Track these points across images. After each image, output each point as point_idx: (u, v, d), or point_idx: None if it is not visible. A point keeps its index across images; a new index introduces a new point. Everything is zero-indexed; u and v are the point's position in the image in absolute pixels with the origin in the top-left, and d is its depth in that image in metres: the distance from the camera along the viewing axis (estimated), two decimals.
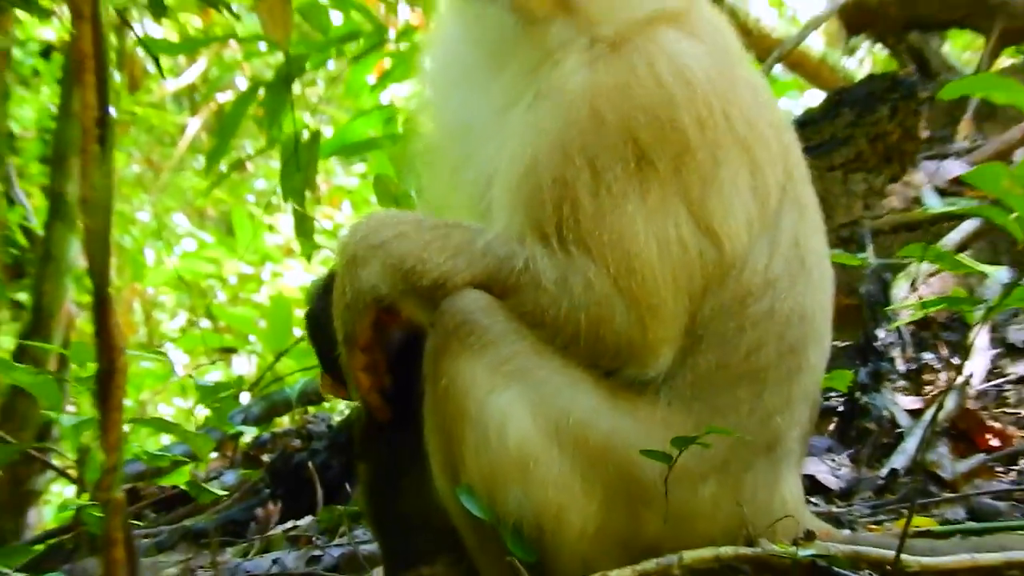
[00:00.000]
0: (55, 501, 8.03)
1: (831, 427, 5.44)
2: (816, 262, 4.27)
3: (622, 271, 3.98)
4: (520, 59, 4.29)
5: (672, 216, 4.02)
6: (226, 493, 5.96)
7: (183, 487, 5.71)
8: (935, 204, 6.41)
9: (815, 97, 8.98)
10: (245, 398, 7.02)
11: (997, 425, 5.37)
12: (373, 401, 4.23)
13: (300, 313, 8.25)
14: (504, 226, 4.12)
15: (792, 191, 4.23)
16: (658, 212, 4.01)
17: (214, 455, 6.32)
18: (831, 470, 5.24)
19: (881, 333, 5.66)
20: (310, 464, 5.74)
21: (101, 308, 2.61)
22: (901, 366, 5.67)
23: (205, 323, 12.07)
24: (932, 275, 5.71)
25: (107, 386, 2.63)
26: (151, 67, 11.24)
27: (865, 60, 10.47)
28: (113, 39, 9.74)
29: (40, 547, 6.20)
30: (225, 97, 11.90)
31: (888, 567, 3.95)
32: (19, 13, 7.40)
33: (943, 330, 5.71)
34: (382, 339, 4.21)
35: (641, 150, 4.02)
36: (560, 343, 4.05)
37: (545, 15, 4.23)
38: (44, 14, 7.29)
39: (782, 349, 4.16)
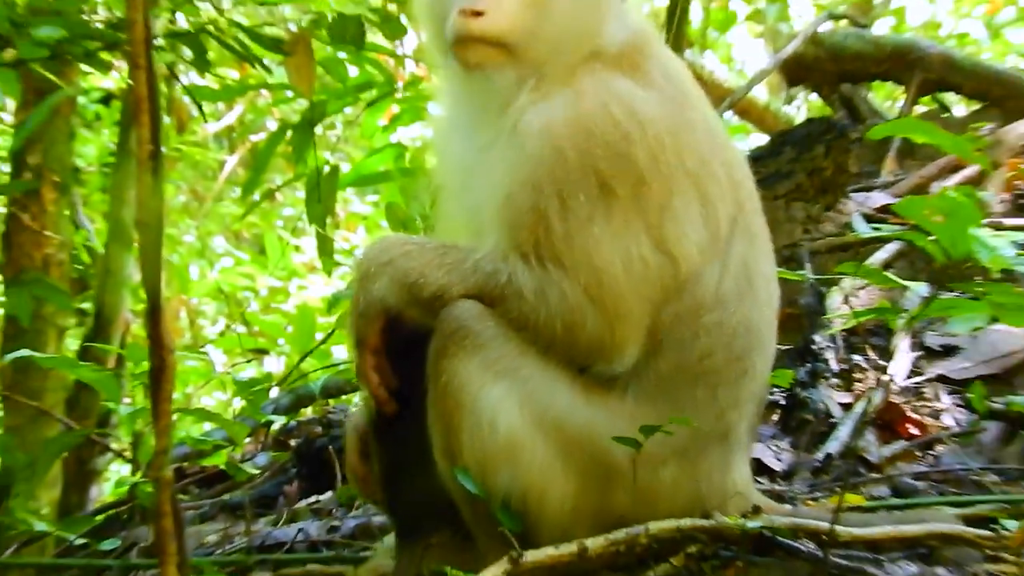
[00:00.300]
0: (113, 479, 8.00)
1: (775, 418, 5.41)
2: (763, 283, 4.23)
3: (592, 283, 3.96)
4: (488, 103, 4.25)
5: (633, 236, 4.00)
6: (258, 472, 5.96)
7: (222, 467, 5.70)
8: (863, 229, 6.38)
9: (761, 138, 8.96)
10: (275, 392, 7.00)
11: (916, 417, 5.35)
12: (381, 396, 4.18)
13: (322, 320, 8.22)
14: (491, 246, 4.08)
15: (743, 222, 4.19)
16: (621, 233, 3.99)
17: (248, 440, 6.28)
18: (775, 454, 5.22)
19: (818, 338, 5.65)
20: (330, 448, 5.72)
21: (153, 315, 2.58)
22: (835, 366, 5.66)
23: (241, 328, 12.03)
24: (861, 289, 5.69)
25: (158, 381, 2.62)
26: (195, 111, 11.23)
27: (802, 107, 10.47)
28: (163, 88, 9.70)
29: (100, 518, 6.18)
30: (258, 137, 11.90)
31: (824, 537, 3.93)
32: (83, 66, 7.33)
33: (870, 336, 5.69)
34: (389, 345, 4.19)
35: (603, 180, 3.99)
36: (541, 345, 4.01)
37: (494, 64, 4.21)
38: (104, 67, 7.25)
39: (731, 356, 4.11)
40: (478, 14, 4.15)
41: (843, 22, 9.20)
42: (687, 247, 4.07)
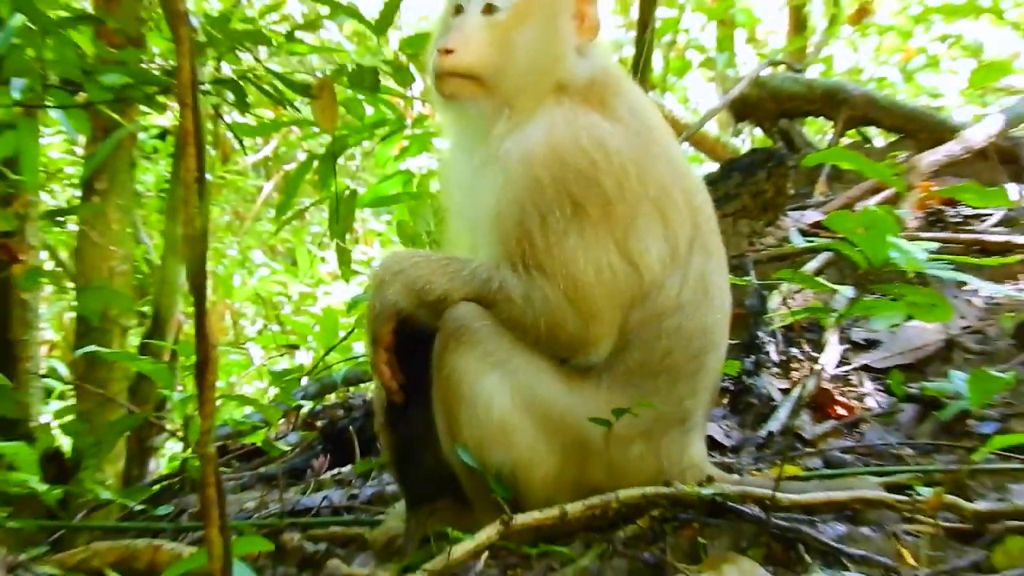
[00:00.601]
0: (167, 454, 7.99)
1: (725, 401, 5.40)
2: (718, 292, 4.22)
3: (569, 288, 3.97)
4: (474, 131, 4.27)
5: (603, 249, 4.00)
6: (290, 448, 5.94)
7: (259, 444, 5.68)
8: (799, 241, 6.38)
9: (713, 166, 8.94)
10: (304, 381, 6.99)
11: (844, 400, 5.33)
12: (391, 387, 4.19)
13: (343, 320, 8.20)
14: (485, 257, 4.10)
15: (700, 241, 4.18)
16: (593, 246, 3.99)
17: (281, 422, 6.27)
18: (725, 432, 5.21)
19: (761, 334, 5.63)
20: (350, 428, 5.70)
21: (199, 316, 2.57)
22: (775, 358, 5.64)
23: (275, 327, 12.04)
24: (797, 292, 5.68)
25: (203, 372, 2.60)
26: (237, 145, 11.23)
27: (747, 139, 10.46)
28: (210, 125, 9.70)
29: (156, 487, 6.16)
30: (289, 166, 11.87)
31: (766, 502, 3.91)
32: (142, 107, 7.33)
33: (805, 331, 5.67)
34: (401, 343, 4.19)
35: (575, 201, 3.98)
36: (529, 341, 4.02)
37: (467, 94, 4.23)
38: (160, 108, 7.25)
39: (688, 355, 4.11)
40: (449, 52, 4.18)
41: (781, 68, 9.21)
42: (649, 260, 4.06)
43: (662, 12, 10.99)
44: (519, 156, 4.10)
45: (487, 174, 4.17)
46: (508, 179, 4.09)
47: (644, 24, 8.39)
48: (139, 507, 5.48)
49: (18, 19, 5.46)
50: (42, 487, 4.79)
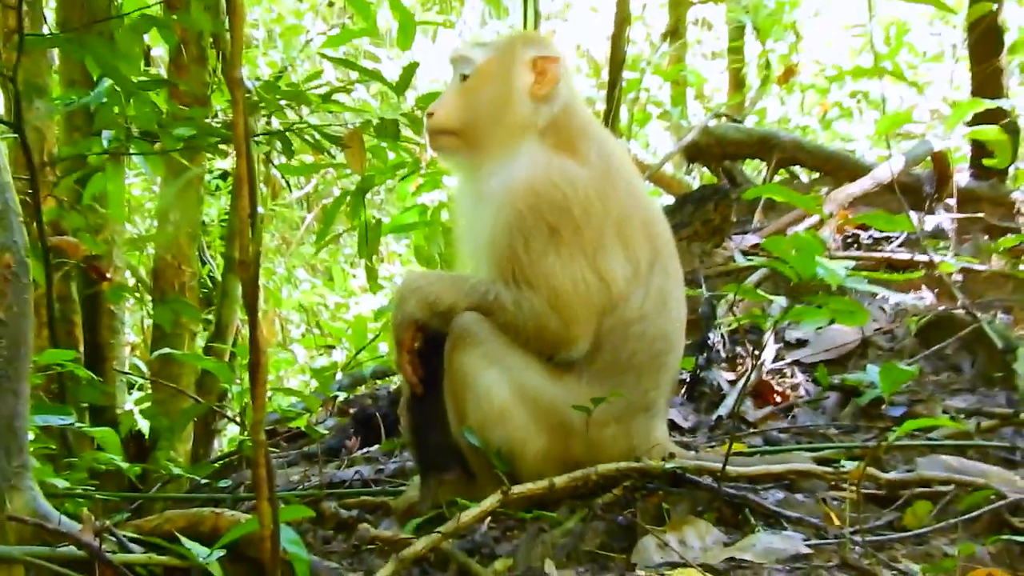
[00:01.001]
0: (228, 437, 7.95)
1: (683, 391, 5.35)
2: (675, 305, 4.19)
3: (551, 297, 3.97)
4: (469, 173, 4.30)
5: (577, 265, 3.99)
6: (327, 431, 5.91)
7: (302, 428, 5.63)
8: (741, 260, 6.36)
9: (669, 199, 8.87)
10: (339, 375, 6.98)
11: (780, 389, 5.31)
12: (412, 381, 4.19)
13: (372, 325, 8.14)
14: (484, 274, 4.11)
15: (660, 263, 4.15)
16: (568, 263, 3.99)
17: (320, 409, 6.23)
18: (683, 416, 5.17)
19: (711, 336, 5.59)
20: (377, 414, 5.68)
21: (252, 327, 2.56)
22: (723, 355, 5.61)
23: (316, 331, 12.04)
24: (740, 302, 5.64)
25: (255, 371, 2.58)
26: (284, 184, 11.22)
27: (697, 177, 10.41)
28: (262, 167, 9.66)
29: (218, 464, 6.13)
30: (327, 201, 11.84)
31: (718, 474, 3.90)
32: (207, 154, 7.31)
33: (747, 334, 5.64)
34: (420, 345, 4.18)
35: (551, 226, 3.99)
36: (521, 341, 4.02)
37: (449, 146, 4.29)
38: (222, 154, 7.23)
39: (650, 355, 4.09)
40: (431, 115, 4.28)
41: (724, 119, 9.15)
42: (615, 276, 4.05)
43: (627, 74, 10.92)
44: (504, 191, 4.10)
45: (482, 207, 4.18)
46: (497, 211, 4.09)
47: (613, 84, 8.41)
48: (204, 481, 5.44)
49: (106, 82, 5.43)
50: (124, 464, 4.76)
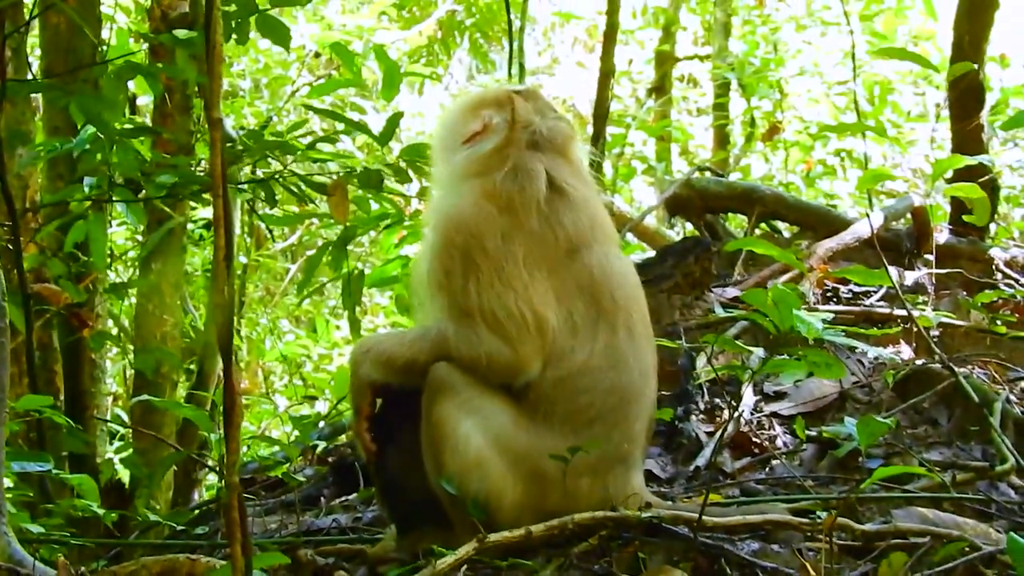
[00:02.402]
0: (208, 485, 7.95)
1: (661, 442, 5.35)
2: (631, 358, 4.14)
3: (491, 322, 3.99)
4: None
5: (506, 295, 4.01)
6: (306, 480, 5.89)
7: (281, 476, 5.64)
8: (721, 313, 6.38)
9: (651, 252, 8.92)
10: (320, 425, 6.98)
11: (757, 440, 5.30)
12: (368, 449, 4.24)
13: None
14: (430, 318, 4.16)
15: (605, 321, 4.12)
16: (491, 290, 4.00)
17: (300, 458, 6.22)
18: (661, 467, 5.16)
19: (690, 387, 5.60)
20: (355, 463, 5.67)
21: (227, 370, 2.59)
22: (702, 406, 5.61)
23: (298, 382, 12.04)
24: (719, 353, 5.64)
25: (230, 415, 2.61)
26: (268, 234, 11.26)
27: (679, 230, 10.46)
28: (246, 216, 9.69)
29: (196, 511, 6.13)
30: (310, 252, 11.86)
31: (694, 523, 3.89)
32: (191, 202, 7.35)
33: (726, 385, 5.63)
34: (389, 395, 4.23)
35: (463, 253, 4.05)
36: (480, 374, 4.01)
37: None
38: (205, 203, 7.28)
39: (608, 406, 4.07)
40: None
41: (707, 173, 9.22)
42: (549, 319, 4.06)
43: (613, 129, 11.03)
44: (428, 231, 4.26)
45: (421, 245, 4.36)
46: (424, 246, 4.27)
47: (597, 138, 8.48)
48: (181, 528, 5.44)
49: (89, 129, 5.47)
50: (101, 511, 4.76)
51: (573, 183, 4.36)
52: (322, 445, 6.31)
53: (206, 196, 6.58)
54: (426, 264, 4.17)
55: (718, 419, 5.54)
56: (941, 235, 7.58)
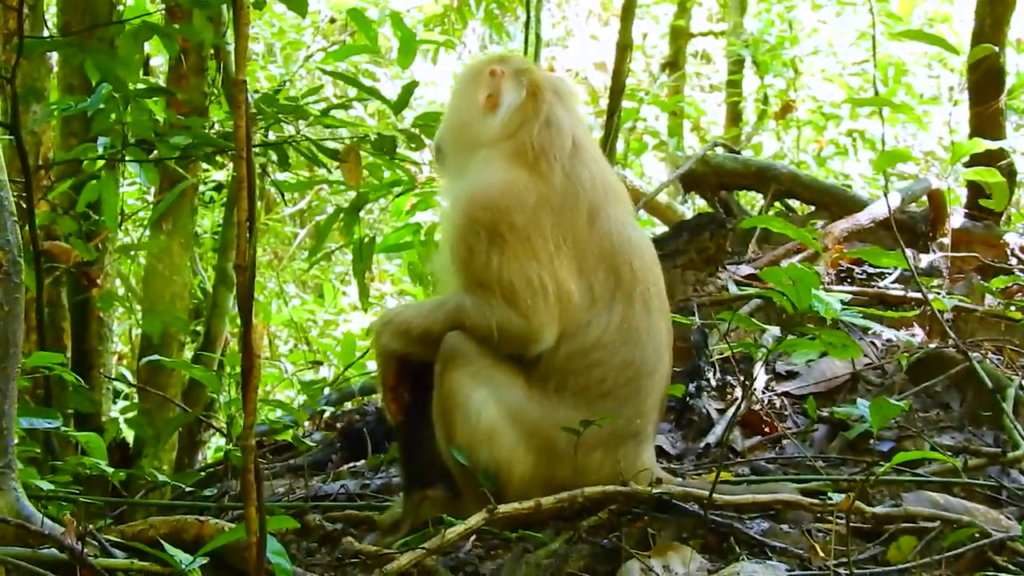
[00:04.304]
0: (213, 447, 7.94)
1: (671, 418, 5.34)
2: (644, 332, 4.12)
3: (507, 294, 3.99)
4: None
5: (528, 265, 4.00)
6: (314, 445, 5.91)
7: (289, 440, 5.64)
8: (735, 290, 6.36)
9: (664, 227, 8.89)
10: (327, 391, 6.98)
11: (769, 420, 5.30)
12: (395, 417, 4.29)
13: (361, 343, 8.14)
14: (449, 289, 4.19)
15: (622, 291, 4.11)
16: (516, 261, 4.00)
17: (307, 423, 6.23)
18: (671, 443, 5.17)
19: (702, 364, 5.59)
20: (364, 429, 5.67)
21: (246, 332, 2.63)
22: (714, 383, 5.60)
23: (304, 347, 12.04)
24: (733, 331, 5.62)
25: (247, 377, 2.65)
26: (279, 198, 11.22)
27: (692, 207, 10.42)
28: (258, 181, 9.65)
29: (203, 473, 6.13)
30: (320, 217, 11.83)
31: (704, 501, 3.88)
32: (203, 164, 7.33)
33: (739, 363, 5.62)
34: (410, 370, 4.23)
35: (489, 230, 4.03)
36: (492, 345, 4.02)
37: (442, 164, 4.53)
38: (217, 165, 7.27)
39: (621, 381, 4.07)
40: None
41: (721, 149, 9.17)
42: (571, 290, 4.06)
43: (625, 103, 10.97)
44: (452, 203, 4.24)
45: (442, 223, 4.42)
46: (448, 223, 4.22)
47: (611, 112, 8.43)
48: (188, 489, 5.44)
49: (104, 88, 5.44)
50: (109, 470, 4.75)
51: (586, 140, 4.41)
52: (330, 410, 6.31)
53: (219, 158, 6.56)
54: (449, 243, 4.17)
55: (730, 397, 5.53)
56: (956, 219, 7.56)
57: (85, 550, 3.42)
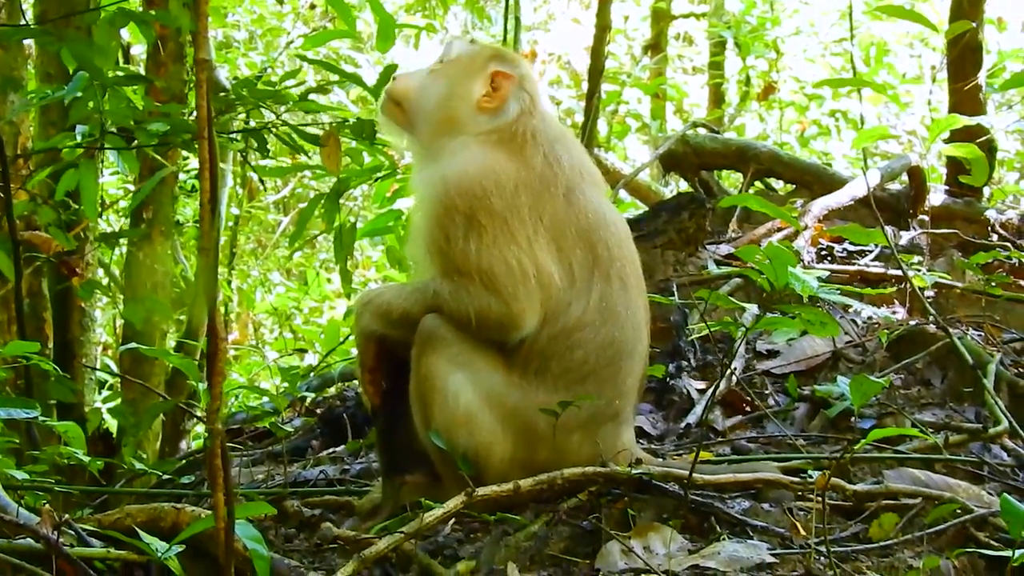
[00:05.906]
0: (196, 436, 7.93)
1: (652, 398, 5.32)
2: (623, 312, 4.12)
3: (486, 279, 3.96)
4: (414, 167, 4.52)
5: (508, 249, 3.98)
6: (294, 431, 5.91)
7: (269, 427, 5.60)
8: (715, 269, 6.34)
9: (644, 207, 8.85)
10: (312, 375, 6.95)
11: (749, 399, 5.27)
12: (373, 400, 4.27)
13: (344, 330, 8.10)
14: (425, 274, 4.14)
15: (600, 271, 4.11)
16: (495, 246, 3.97)
17: (288, 409, 6.19)
18: (651, 424, 5.15)
19: (682, 344, 5.58)
20: (344, 415, 5.66)
21: (211, 315, 2.55)
22: (694, 363, 5.59)
23: (288, 335, 12.03)
24: (712, 310, 5.59)
25: (213, 360, 2.58)
26: (261, 186, 11.19)
27: (673, 187, 10.39)
28: (238, 168, 9.62)
29: (183, 461, 6.12)
30: (302, 204, 11.81)
31: (685, 481, 3.87)
32: (183, 151, 7.29)
33: (719, 342, 5.59)
34: (382, 365, 4.24)
35: (466, 215, 3.99)
36: (471, 331, 3.99)
37: (398, 122, 4.44)
38: (197, 151, 7.18)
39: (602, 362, 4.06)
40: (396, 79, 4.44)
41: (702, 129, 9.12)
42: (551, 272, 4.03)
43: (607, 87, 10.95)
44: (428, 187, 4.16)
45: (416, 206, 4.32)
46: (422, 207, 4.16)
47: (591, 93, 8.40)
48: (168, 477, 5.42)
49: (82, 77, 5.39)
50: (87, 459, 4.72)
51: (564, 128, 4.45)
52: (310, 396, 6.28)
53: (198, 145, 6.49)
54: (424, 229, 4.12)
55: (710, 377, 5.50)
56: (936, 196, 7.54)
57: (61, 540, 3.39)
